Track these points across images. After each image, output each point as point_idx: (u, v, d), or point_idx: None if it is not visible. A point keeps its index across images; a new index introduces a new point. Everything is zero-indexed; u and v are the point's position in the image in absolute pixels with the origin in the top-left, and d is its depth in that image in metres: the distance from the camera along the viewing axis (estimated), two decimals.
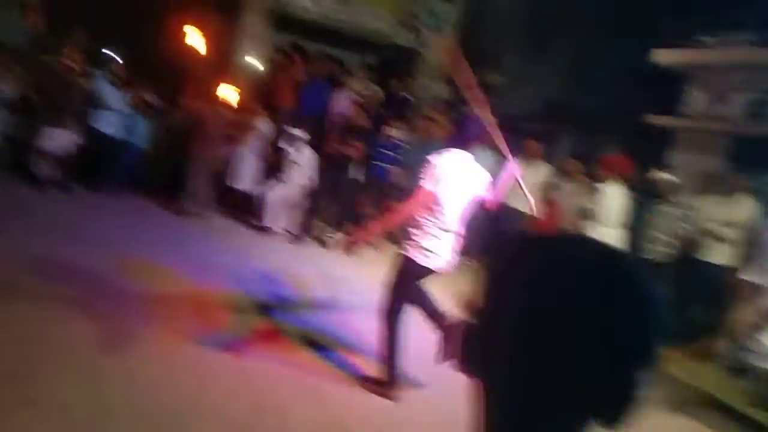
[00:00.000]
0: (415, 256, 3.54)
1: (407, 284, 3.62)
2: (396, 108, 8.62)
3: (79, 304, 4.09)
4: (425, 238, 3.52)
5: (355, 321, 4.78)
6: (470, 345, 0.83)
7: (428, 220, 3.51)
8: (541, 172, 7.62)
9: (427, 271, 3.60)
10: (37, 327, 3.63)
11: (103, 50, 7.55)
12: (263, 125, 8.22)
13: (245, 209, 8.09)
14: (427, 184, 3.45)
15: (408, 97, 9.03)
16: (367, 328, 4.22)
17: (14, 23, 13.82)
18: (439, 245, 3.54)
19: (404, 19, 11.55)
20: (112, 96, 7.56)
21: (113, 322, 3.95)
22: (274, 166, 7.92)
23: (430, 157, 3.53)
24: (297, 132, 7.53)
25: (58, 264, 4.76)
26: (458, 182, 3.53)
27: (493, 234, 8.09)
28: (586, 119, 12.50)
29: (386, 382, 3.66)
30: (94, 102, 7.55)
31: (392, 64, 11.85)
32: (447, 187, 3.49)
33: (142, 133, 7.96)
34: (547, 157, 8.13)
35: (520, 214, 7.55)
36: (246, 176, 8.08)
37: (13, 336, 3.47)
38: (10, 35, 12.17)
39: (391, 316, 3.60)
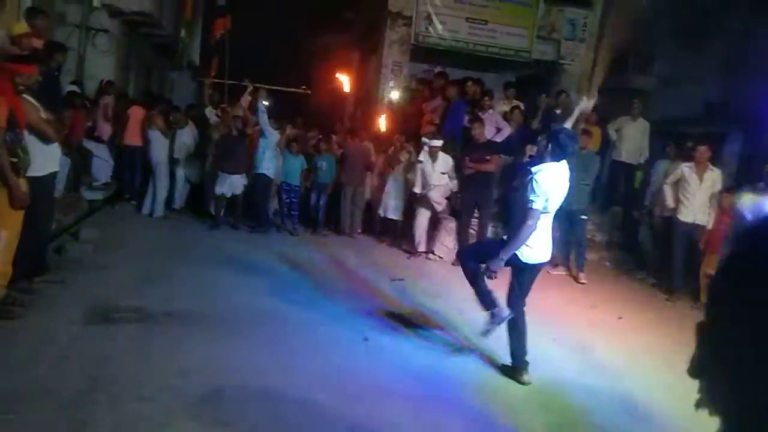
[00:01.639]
0: (524, 255, 3.96)
1: (526, 283, 4.12)
2: (544, 123, 8.35)
3: (261, 333, 4.41)
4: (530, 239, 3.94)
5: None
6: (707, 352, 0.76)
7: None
8: (714, 178, 6.93)
9: (536, 266, 4.09)
10: (219, 352, 3.95)
11: (259, 100, 8.15)
12: (408, 155, 8.39)
13: (396, 236, 8.31)
14: (537, 204, 3.82)
15: (555, 110, 8.72)
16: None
17: (186, 84, 15.62)
18: (537, 241, 3.97)
19: (543, 33, 11.28)
20: (268, 140, 8.13)
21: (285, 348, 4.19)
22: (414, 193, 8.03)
23: (536, 176, 3.85)
24: (435, 142, 7.54)
25: (231, 290, 5.19)
26: (557, 192, 3.94)
27: (665, 249, 7.49)
28: (755, 118, 11.19)
29: (517, 368, 4.12)
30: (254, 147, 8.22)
31: (533, 79, 11.61)
32: (550, 200, 3.89)
33: (297, 171, 8.45)
34: (715, 162, 7.39)
35: (691, 227, 6.93)
36: (395, 205, 8.27)
37: (199, 362, 3.79)
38: (183, 94, 13.79)
39: (518, 312, 4.11)
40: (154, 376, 3.50)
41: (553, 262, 7.73)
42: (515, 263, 4.03)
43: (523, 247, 3.93)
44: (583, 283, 7.19)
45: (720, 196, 6.76)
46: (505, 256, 3.92)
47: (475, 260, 4.26)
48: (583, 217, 7.37)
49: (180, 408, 3.19)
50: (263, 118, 7.92)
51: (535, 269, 4.11)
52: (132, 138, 8.51)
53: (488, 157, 7.41)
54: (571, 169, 7.36)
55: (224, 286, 5.45)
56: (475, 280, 4.30)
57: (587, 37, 11.66)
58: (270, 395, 3.47)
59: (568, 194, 7.07)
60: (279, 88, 9.36)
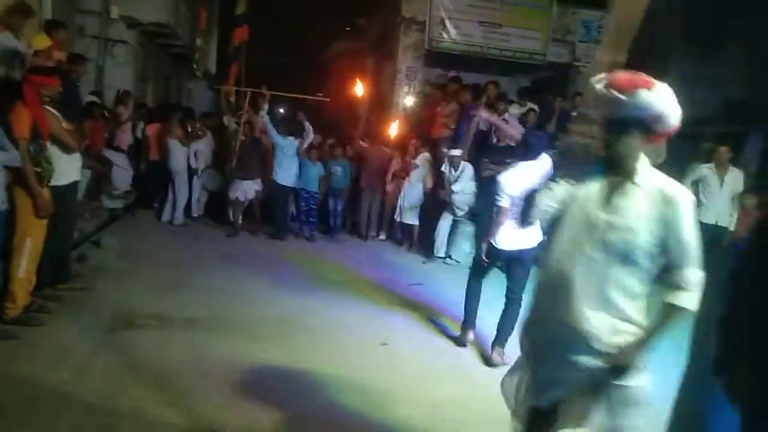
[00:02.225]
0: (500, 244, 4.38)
1: (515, 273, 4.50)
2: (559, 126, 8.31)
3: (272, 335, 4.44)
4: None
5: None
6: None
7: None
8: (735, 179, 6.84)
9: (517, 254, 4.42)
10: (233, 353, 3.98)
11: (276, 107, 8.21)
12: (424, 160, 8.40)
13: (413, 240, 8.32)
14: (503, 202, 4.24)
15: (570, 113, 8.68)
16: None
17: (202, 93, 15.78)
18: (509, 230, 4.32)
19: (557, 35, 11.24)
20: (285, 146, 8.18)
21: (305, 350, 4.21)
22: (435, 197, 8.01)
23: (500, 177, 4.28)
24: (455, 152, 7.56)
25: (251, 296, 5.24)
26: (525, 188, 4.09)
27: None
28: None
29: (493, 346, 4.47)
30: (271, 154, 8.28)
31: (549, 82, 11.56)
32: (517, 195, 4.13)
33: (315, 178, 8.47)
34: (736, 162, 7.30)
35: (716, 228, 6.82)
36: (412, 209, 8.27)
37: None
38: (200, 103, 13.94)
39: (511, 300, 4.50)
40: (177, 381, 3.53)
41: None
42: (498, 253, 4.45)
43: (498, 237, 4.35)
44: None
45: (742, 197, 6.66)
46: (483, 245, 4.48)
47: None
48: None
49: (203, 414, 3.22)
50: (268, 126, 8.01)
51: (518, 258, 4.44)
52: (153, 154, 8.61)
53: (509, 161, 7.38)
54: (590, 172, 7.31)
55: (243, 292, 5.49)
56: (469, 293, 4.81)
57: (602, 38, 11.59)
58: (292, 402, 3.49)
59: None
60: (295, 95, 9.40)
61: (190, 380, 3.56)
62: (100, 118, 7.81)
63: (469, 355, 4.58)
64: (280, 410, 3.36)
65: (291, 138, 8.18)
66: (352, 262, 7.26)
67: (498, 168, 7.48)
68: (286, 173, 8.15)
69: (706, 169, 6.98)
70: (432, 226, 7.92)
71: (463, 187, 7.56)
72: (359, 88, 8.84)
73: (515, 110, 9.14)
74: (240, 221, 8.19)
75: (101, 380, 3.44)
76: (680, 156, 8.69)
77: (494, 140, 7.67)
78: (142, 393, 3.33)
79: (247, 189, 8.13)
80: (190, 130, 8.59)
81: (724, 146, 6.94)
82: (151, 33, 11.45)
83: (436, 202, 8.02)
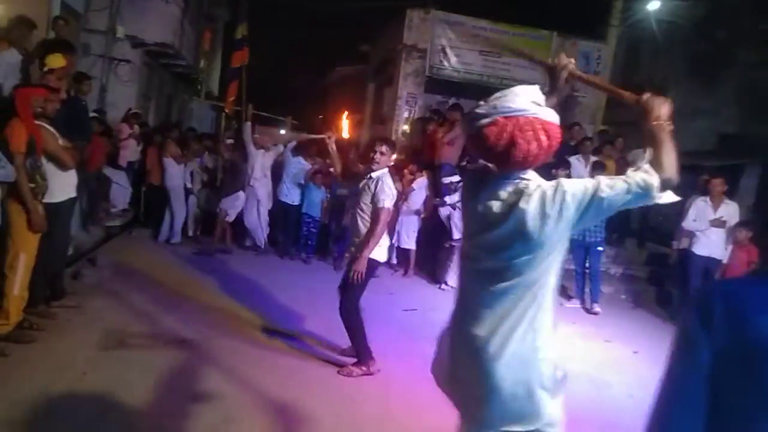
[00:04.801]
0: (375, 255, 4.38)
1: (367, 281, 4.42)
2: (558, 155, 8.37)
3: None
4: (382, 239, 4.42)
5: None
6: None
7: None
8: (729, 212, 6.87)
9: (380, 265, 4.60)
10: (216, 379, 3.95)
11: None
12: (422, 185, 8.41)
13: (411, 265, 8.29)
14: (389, 203, 4.31)
15: (569, 142, 8.76)
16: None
17: (205, 112, 15.87)
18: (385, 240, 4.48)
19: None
20: (295, 168, 8.28)
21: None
22: (434, 223, 8.03)
23: (384, 178, 4.35)
24: (453, 178, 7.58)
25: (246, 319, 5.21)
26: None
27: (682, 284, 7.38)
28: None
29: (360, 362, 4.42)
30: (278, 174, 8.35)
31: None
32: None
33: (317, 202, 8.48)
34: (731, 195, 7.36)
35: (707, 261, 6.85)
36: (409, 234, 8.26)
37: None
38: (202, 122, 14.00)
39: (357, 311, 4.43)
40: (169, 402, 3.51)
41: (566, 294, 7.69)
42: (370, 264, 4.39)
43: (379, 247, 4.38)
44: (596, 313, 7.11)
45: (736, 229, 6.69)
46: (366, 254, 4.28)
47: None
48: (599, 248, 7.32)
49: None
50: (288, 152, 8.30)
51: (378, 268, 4.59)
52: (154, 178, 8.66)
53: None
54: None
55: (238, 314, 5.46)
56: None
57: (601, 70, 11.75)
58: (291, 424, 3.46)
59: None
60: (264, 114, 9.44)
61: (182, 403, 3.54)
62: (101, 135, 7.86)
63: None
64: None
65: (300, 158, 8.29)
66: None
67: None
68: (291, 192, 8.27)
69: (700, 201, 7.02)
70: (430, 251, 7.92)
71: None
72: (345, 129, 8.83)
73: None
74: (233, 240, 8.26)
75: (92, 401, 3.42)
76: (679, 188, 8.80)
77: None
78: (133, 415, 3.31)
79: (229, 206, 8.20)
80: (190, 148, 8.65)
81: (717, 178, 6.97)
82: (156, 53, 11.60)
83: (434, 227, 8.04)
